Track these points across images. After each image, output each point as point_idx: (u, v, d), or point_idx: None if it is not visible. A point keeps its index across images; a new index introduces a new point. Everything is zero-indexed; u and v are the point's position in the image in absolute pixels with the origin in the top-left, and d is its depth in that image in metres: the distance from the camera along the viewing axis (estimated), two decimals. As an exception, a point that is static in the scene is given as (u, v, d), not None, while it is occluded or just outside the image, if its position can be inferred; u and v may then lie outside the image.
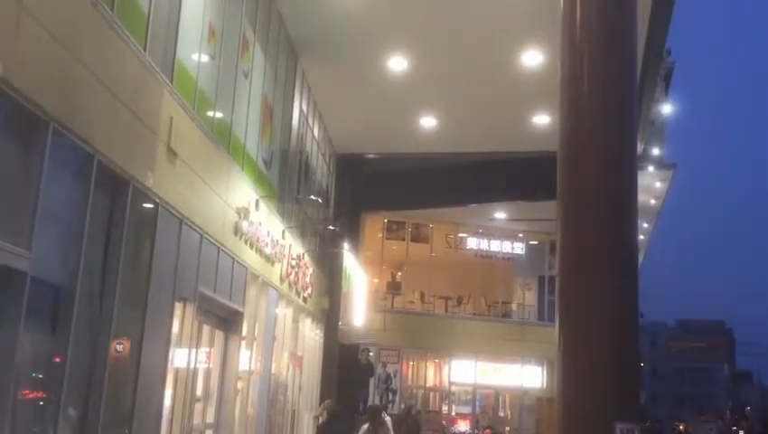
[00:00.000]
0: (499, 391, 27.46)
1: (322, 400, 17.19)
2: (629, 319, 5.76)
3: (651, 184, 23.35)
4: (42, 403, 6.18)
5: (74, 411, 6.54)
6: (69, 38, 5.88)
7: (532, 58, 13.91)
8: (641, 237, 28.57)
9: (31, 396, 6.09)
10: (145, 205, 7.78)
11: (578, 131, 6.11)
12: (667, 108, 26.26)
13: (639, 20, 6.65)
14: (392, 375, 25.10)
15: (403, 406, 15.57)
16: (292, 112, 14.64)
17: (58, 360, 6.22)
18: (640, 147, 19.11)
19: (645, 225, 27.27)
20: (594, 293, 5.66)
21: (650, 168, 22.62)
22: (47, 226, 5.79)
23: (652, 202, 24.87)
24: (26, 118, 5.46)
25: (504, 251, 28.13)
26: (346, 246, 19.68)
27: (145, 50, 7.43)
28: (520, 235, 27.97)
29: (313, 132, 17.05)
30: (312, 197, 16.21)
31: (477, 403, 27.14)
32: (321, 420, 14.17)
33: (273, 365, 13.94)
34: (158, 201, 7.92)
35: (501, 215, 25.99)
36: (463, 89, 15.77)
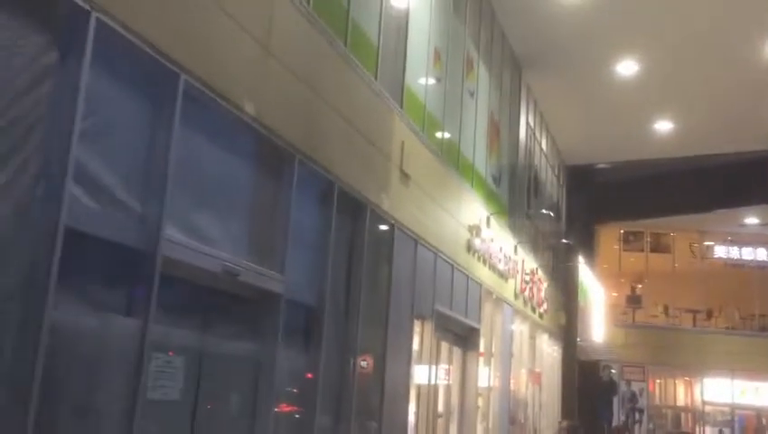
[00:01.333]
0: (761, 413, 25.03)
1: (563, 417, 16.78)
2: None
3: None
4: (298, 416, 6.64)
5: (327, 424, 6.95)
6: (309, 75, 6.34)
7: (781, 47, 12.69)
8: None
9: (288, 409, 6.57)
10: (381, 227, 8.12)
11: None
12: None
13: None
14: (638, 394, 23.85)
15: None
16: (519, 127, 14.58)
17: (311, 375, 6.66)
18: None
19: None
20: None
21: None
22: (297, 251, 6.24)
23: None
24: (276, 152, 5.95)
25: (759, 259, 25.78)
26: (581, 259, 19.14)
27: (376, 79, 7.80)
28: (776, 241, 25.46)
29: (540, 145, 16.84)
30: (543, 211, 15.99)
31: (736, 425, 24.94)
32: None
33: (511, 382, 13.85)
34: (393, 222, 8.24)
35: (752, 220, 23.83)
36: (701, 88, 14.74)
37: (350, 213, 7.46)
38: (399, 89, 8.55)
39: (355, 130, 7.28)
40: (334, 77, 6.86)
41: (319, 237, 6.89)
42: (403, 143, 8.41)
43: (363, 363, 7.81)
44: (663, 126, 16.74)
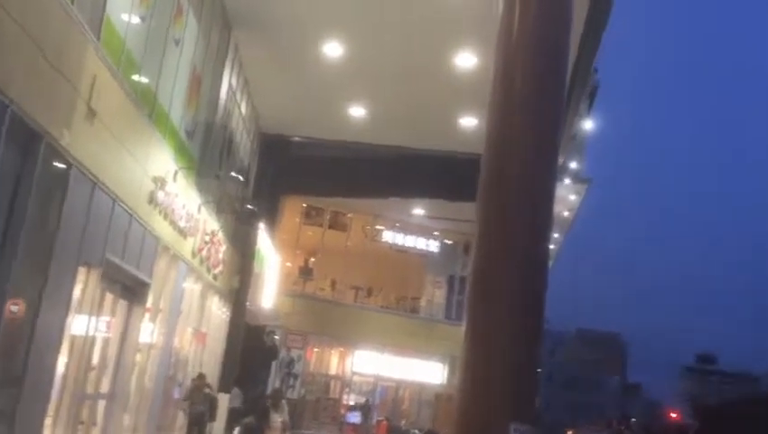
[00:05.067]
0: (400, 385, 27.77)
1: (222, 378, 17.01)
2: (534, 325, 5.92)
3: (566, 197, 23.96)
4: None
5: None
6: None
7: (466, 60, 14.05)
8: (552, 246, 29.37)
9: None
10: (57, 164, 7.50)
11: (504, 136, 6.24)
12: (588, 125, 26.99)
13: (571, 38, 6.83)
14: (295, 360, 25.02)
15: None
16: (220, 86, 14.36)
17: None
18: (560, 159, 19.60)
19: (556, 235, 27.99)
20: (504, 295, 5.80)
21: (567, 181, 23.23)
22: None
23: (565, 213, 25.54)
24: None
25: (419, 247, 28.36)
26: (262, 226, 19.46)
27: (72, 3, 7.14)
28: (436, 233, 28.26)
29: (240, 108, 16.78)
30: (232, 174, 15.96)
31: (378, 395, 27.35)
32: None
33: (175, 339, 13.68)
34: (71, 160, 7.64)
35: (419, 211, 26.22)
36: (395, 83, 15.80)
37: (22, 143, 6.77)
38: (98, 20, 7.93)
39: (41, 53, 6.60)
40: (23, -11, 6.14)
41: (-21, 163, 6.15)
42: (95, 77, 7.82)
43: (14, 308, 7.15)
44: (357, 111, 17.64)
